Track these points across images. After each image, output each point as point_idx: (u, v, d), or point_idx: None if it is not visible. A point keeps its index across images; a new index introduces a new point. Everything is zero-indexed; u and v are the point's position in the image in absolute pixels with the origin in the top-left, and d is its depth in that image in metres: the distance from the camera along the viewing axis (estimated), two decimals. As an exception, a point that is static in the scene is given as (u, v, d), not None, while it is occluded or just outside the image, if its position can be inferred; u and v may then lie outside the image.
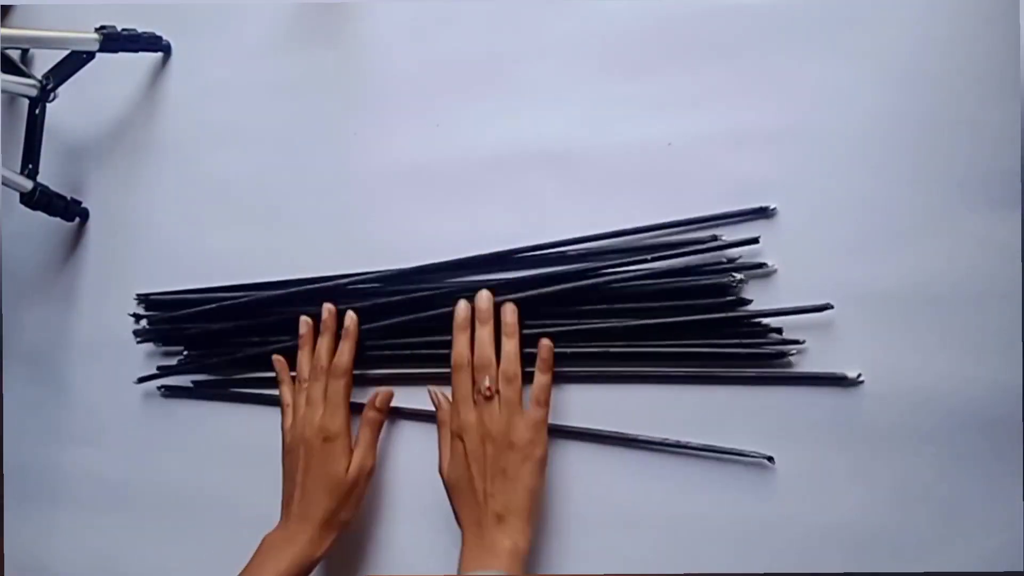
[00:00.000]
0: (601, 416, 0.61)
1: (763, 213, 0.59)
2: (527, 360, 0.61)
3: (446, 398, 0.63)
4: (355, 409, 0.65)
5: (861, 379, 0.56)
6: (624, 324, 0.61)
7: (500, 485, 0.57)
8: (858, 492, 0.55)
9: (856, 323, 0.56)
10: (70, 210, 0.82)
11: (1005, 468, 0.52)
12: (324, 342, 0.65)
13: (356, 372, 0.66)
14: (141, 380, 0.75)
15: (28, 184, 0.78)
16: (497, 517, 0.56)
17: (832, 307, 0.57)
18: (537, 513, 0.59)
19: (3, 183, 0.75)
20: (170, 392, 0.75)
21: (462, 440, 0.59)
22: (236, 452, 0.72)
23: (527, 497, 0.57)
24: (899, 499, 0.54)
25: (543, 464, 0.58)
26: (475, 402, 0.60)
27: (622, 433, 0.60)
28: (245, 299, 0.71)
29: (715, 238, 0.60)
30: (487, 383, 0.59)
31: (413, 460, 0.66)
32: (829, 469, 0.56)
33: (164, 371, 0.75)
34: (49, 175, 0.81)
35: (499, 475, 0.57)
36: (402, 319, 0.66)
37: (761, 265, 0.59)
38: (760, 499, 0.57)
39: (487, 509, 0.56)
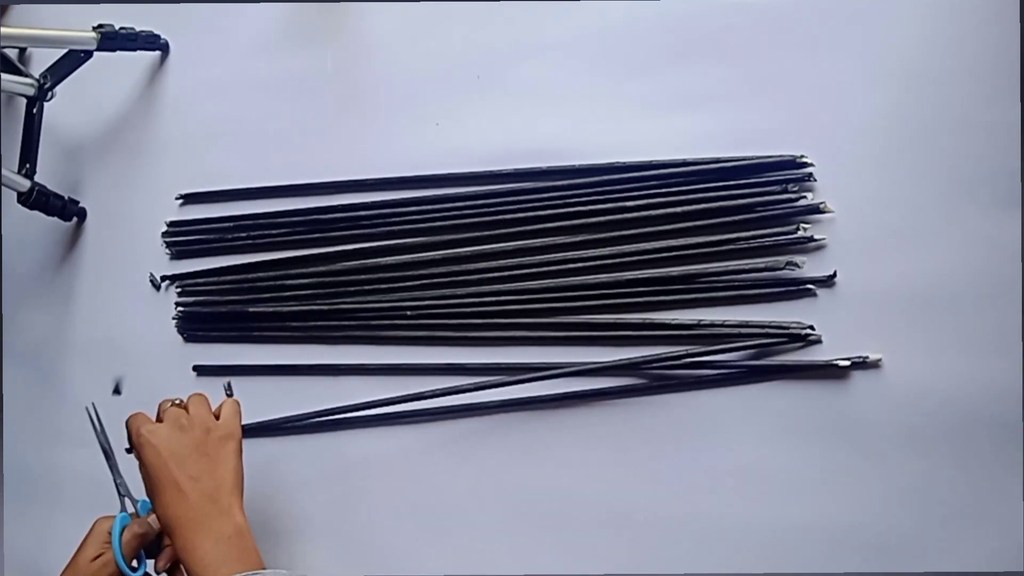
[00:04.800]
0: (602, 417, 0.61)
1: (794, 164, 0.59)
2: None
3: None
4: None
5: (880, 362, 0.55)
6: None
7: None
8: (858, 492, 0.55)
9: (855, 322, 0.56)
10: (67, 210, 0.82)
11: (1006, 468, 0.52)
12: None
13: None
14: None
15: (25, 184, 0.77)
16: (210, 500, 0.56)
17: (836, 275, 0.57)
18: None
19: (1, 183, 0.75)
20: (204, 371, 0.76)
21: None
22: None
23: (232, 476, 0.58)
24: (899, 499, 0.54)
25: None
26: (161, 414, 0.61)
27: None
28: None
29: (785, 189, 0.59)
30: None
31: (408, 461, 0.66)
32: (829, 469, 0.56)
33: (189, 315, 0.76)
34: (47, 174, 0.80)
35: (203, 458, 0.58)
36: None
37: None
38: (759, 499, 0.57)
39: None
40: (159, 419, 0.60)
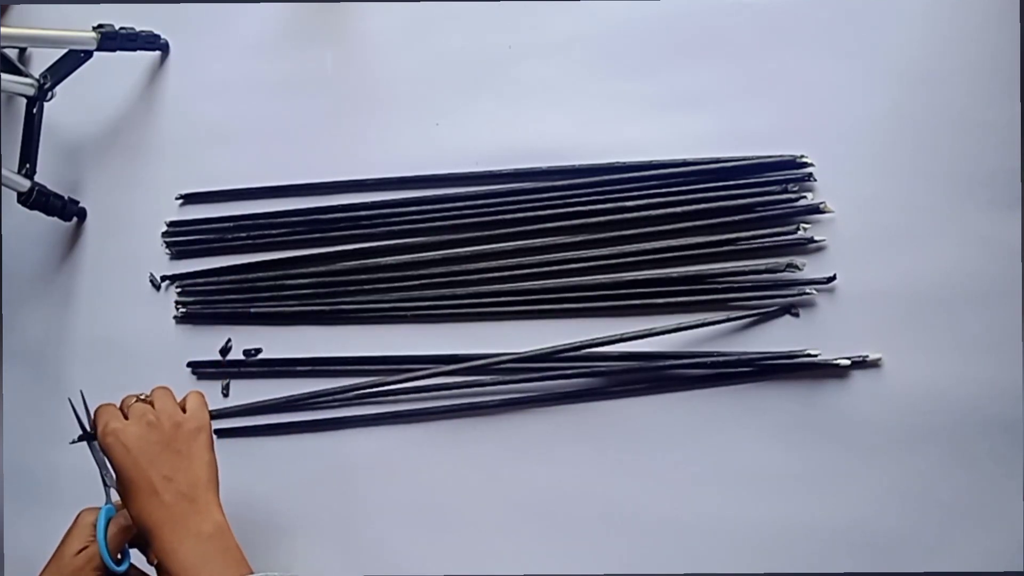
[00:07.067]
0: (601, 416, 0.61)
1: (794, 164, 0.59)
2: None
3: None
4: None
5: (880, 362, 0.55)
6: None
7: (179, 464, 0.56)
8: (858, 492, 0.55)
9: (855, 322, 0.56)
10: (67, 210, 0.82)
11: (1006, 468, 0.52)
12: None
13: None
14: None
15: (25, 184, 0.77)
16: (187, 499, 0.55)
17: (836, 278, 0.57)
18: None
19: (1, 183, 0.75)
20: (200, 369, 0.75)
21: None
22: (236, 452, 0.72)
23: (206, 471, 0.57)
24: (899, 499, 0.54)
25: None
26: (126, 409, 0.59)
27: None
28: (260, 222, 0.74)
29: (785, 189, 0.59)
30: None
31: (407, 461, 0.66)
32: (829, 469, 0.56)
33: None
34: (47, 174, 0.80)
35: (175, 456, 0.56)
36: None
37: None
38: (759, 499, 0.57)
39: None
40: (124, 415, 0.58)
